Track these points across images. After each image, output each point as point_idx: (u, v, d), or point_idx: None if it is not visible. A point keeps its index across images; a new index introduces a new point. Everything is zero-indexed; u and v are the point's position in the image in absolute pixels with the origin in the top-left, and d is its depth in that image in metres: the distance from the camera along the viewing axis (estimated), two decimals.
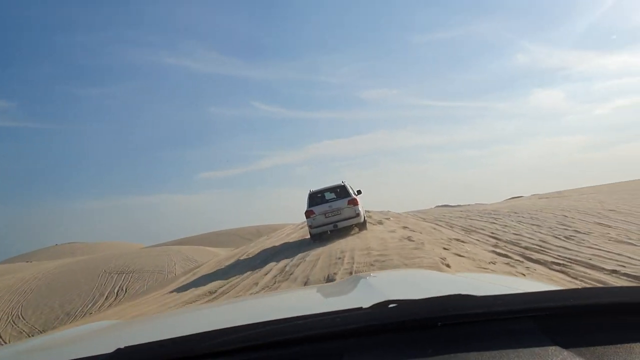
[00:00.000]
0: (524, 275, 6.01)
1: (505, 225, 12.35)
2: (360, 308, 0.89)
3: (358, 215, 11.82)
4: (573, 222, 11.12)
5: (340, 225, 11.72)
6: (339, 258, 8.31)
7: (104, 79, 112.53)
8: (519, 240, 9.34)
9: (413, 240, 9.52)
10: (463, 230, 12.69)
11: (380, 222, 15.03)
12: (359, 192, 12.58)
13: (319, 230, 11.87)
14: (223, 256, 16.43)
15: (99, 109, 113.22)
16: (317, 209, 11.80)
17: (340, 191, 12.26)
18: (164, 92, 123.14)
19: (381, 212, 21.60)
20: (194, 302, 7.81)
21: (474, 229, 12.67)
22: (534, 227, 11.09)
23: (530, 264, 6.90)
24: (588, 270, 5.97)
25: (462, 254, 8.01)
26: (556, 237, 9.12)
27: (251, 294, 7.23)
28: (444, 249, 8.71)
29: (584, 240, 8.37)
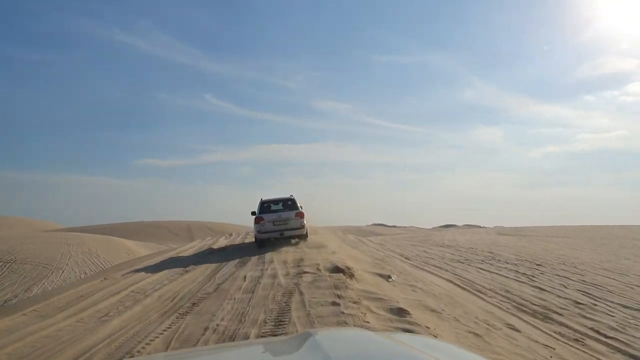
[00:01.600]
0: None
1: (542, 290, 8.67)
2: None
3: (303, 227, 12.89)
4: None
5: (286, 234, 12.79)
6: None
7: (47, 45, 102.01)
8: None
9: None
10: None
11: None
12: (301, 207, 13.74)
13: (265, 236, 12.79)
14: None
15: (35, 76, 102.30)
16: (266, 217, 12.75)
17: (290, 204, 13.33)
18: (110, 70, 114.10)
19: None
20: None
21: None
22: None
23: None
24: None
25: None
26: None
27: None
28: None
29: None
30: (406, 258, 12.92)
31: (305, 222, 13.05)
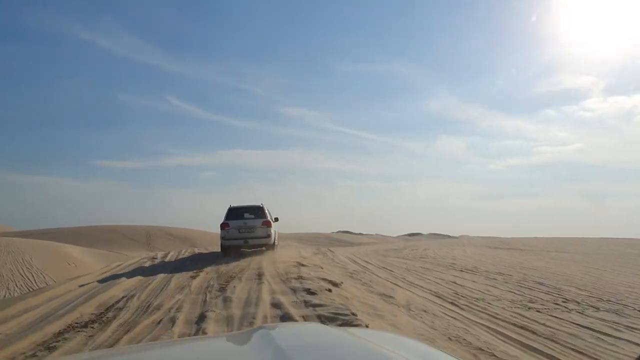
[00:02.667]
0: None
1: None
2: None
3: (269, 236, 12.47)
4: None
5: (251, 242, 12.36)
6: None
7: (3, 35, 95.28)
8: None
9: None
10: None
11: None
12: (277, 219, 13.41)
13: (230, 243, 12.45)
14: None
15: None
16: (232, 223, 12.41)
17: (258, 212, 12.82)
18: (70, 66, 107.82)
19: None
20: None
21: None
22: None
23: None
24: None
25: None
26: None
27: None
28: None
29: None
30: (443, 303, 7.74)
31: (273, 231, 12.74)
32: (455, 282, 9.88)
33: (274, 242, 12.99)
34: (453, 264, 13.28)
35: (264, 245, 12.58)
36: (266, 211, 12.98)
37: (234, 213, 12.84)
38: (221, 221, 12.80)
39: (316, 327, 2.32)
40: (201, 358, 1.47)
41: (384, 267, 12.04)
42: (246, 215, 12.83)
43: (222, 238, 12.58)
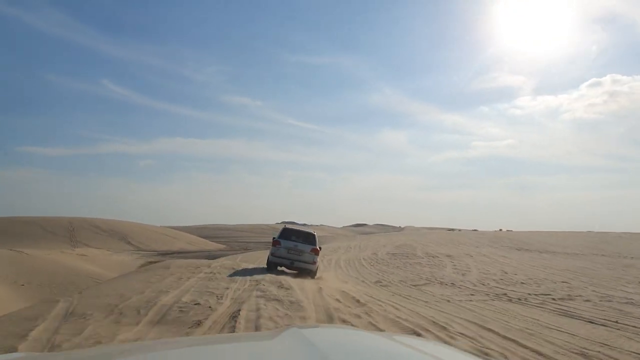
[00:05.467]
0: None
1: None
2: None
3: (314, 263, 13.08)
4: None
5: (297, 265, 12.95)
6: None
7: None
8: None
9: None
10: None
11: None
12: (320, 248, 13.81)
13: (277, 260, 13.12)
14: None
15: None
16: (283, 243, 13.11)
17: (309, 238, 13.59)
18: None
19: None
20: None
21: None
22: None
23: None
24: None
25: None
26: None
27: None
28: None
29: None
30: None
31: (318, 260, 13.46)
32: None
33: (316, 269, 13.44)
34: (530, 294, 9.90)
35: (308, 270, 12.95)
36: (316, 239, 13.65)
37: (287, 233, 13.67)
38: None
39: (351, 330, 2.34)
40: (234, 356, 1.42)
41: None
42: (297, 238, 13.52)
43: (272, 254, 13.31)
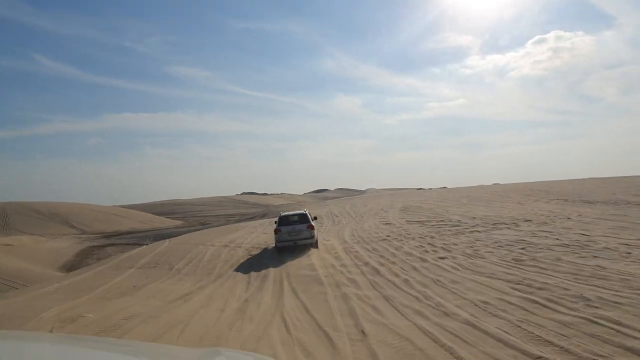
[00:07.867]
0: None
1: None
2: None
3: (313, 237, 15.51)
4: None
5: (299, 242, 15.24)
6: None
7: None
8: None
9: None
10: None
11: None
12: (315, 218, 17.31)
13: (283, 244, 15.34)
14: None
15: None
16: (283, 229, 15.47)
17: (303, 217, 15.82)
18: None
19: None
20: None
21: None
22: None
23: None
24: None
25: None
26: None
27: None
28: None
29: None
30: None
31: (315, 232, 15.68)
32: None
33: (316, 240, 15.80)
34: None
35: (310, 244, 15.36)
36: (309, 216, 15.90)
37: (284, 220, 15.86)
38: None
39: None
40: None
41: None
42: (294, 220, 15.71)
43: (277, 241, 15.45)
